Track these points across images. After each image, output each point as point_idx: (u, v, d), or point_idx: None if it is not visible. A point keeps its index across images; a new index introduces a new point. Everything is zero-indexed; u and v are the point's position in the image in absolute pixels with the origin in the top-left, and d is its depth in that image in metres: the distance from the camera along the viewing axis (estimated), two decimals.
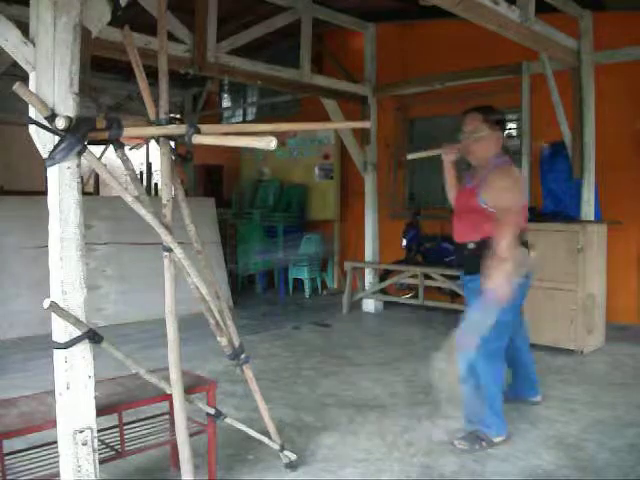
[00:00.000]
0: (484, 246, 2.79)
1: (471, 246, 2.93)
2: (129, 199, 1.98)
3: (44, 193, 1.89)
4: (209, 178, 9.27)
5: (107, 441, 2.31)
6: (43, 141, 1.79)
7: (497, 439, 2.86)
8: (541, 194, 5.37)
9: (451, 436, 2.93)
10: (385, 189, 6.99)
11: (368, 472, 2.58)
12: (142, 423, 2.53)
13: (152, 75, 2.27)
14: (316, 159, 7.97)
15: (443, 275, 5.90)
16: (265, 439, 2.53)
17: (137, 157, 12.03)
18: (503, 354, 2.98)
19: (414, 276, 5.80)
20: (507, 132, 6.52)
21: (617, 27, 5.21)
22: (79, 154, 1.82)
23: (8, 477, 2.03)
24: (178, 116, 9.03)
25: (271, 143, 1.69)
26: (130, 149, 11.76)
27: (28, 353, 4.51)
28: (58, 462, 1.89)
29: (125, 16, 2.06)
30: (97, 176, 9.00)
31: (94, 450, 1.88)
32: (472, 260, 2.88)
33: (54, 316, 1.81)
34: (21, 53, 1.77)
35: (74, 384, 1.83)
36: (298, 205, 7.98)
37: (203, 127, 2.02)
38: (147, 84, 2.19)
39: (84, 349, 1.85)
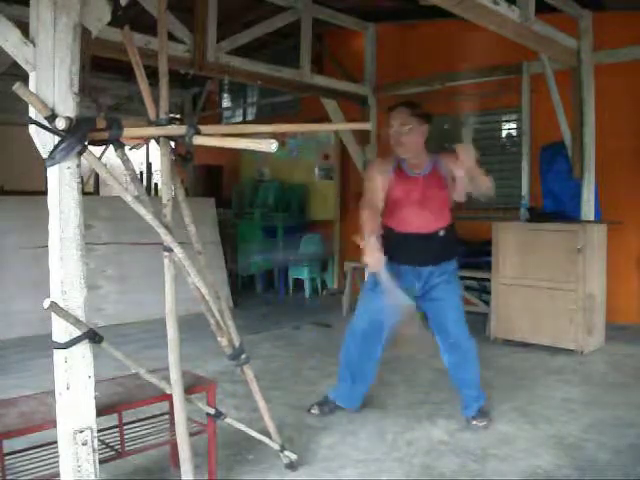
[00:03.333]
0: (451, 231, 3.06)
1: (442, 234, 3.04)
2: (129, 199, 1.98)
3: (44, 193, 1.88)
4: (209, 178, 9.26)
5: (107, 441, 2.31)
6: (43, 141, 1.79)
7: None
8: (541, 194, 5.38)
9: (450, 435, 2.94)
10: None
11: (368, 472, 2.58)
12: (142, 423, 2.53)
13: (152, 75, 2.27)
14: (316, 159, 7.97)
15: None
16: (265, 439, 2.53)
17: (137, 157, 12.03)
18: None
19: None
20: (507, 132, 6.54)
21: (617, 27, 5.21)
22: (79, 154, 1.82)
23: (8, 477, 2.03)
24: (178, 116, 9.04)
25: (272, 145, 1.69)
26: (130, 149, 11.75)
27: (28, 353, 4.51)
28: (58, 462, 1.89)
29: (125, 16, 2.06)
30: (97, 176, 8.99)
31: (94, 450, 1.88)
32: (446, 247, 3.07)
33: (54, 316, 1.81)
34: (21, 53, 1.77)
35: (74, 384, 1.83)
36: (298, 205, 7.98)
37: (203, 128, 2.02)
38: (147, 84, 2.19)
39: (84, 349, 1.85)
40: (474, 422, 3.09)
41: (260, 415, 2.54)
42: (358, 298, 3.31)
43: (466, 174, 2.87)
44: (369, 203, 3.03)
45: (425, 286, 3.09)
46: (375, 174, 3.12)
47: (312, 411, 3.26)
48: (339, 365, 3.31)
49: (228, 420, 2.41)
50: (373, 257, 2.77)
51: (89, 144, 1.86)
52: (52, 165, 1.79)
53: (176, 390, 2.13)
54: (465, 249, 6.01)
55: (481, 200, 3.10)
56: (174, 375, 2.13)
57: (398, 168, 3.09)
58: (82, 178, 1.97)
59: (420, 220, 3.03)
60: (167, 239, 2.10)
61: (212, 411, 2.37)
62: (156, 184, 10.44)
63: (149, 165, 10.80)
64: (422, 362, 3.77)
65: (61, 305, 1.80)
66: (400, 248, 3.05)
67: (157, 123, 2.19)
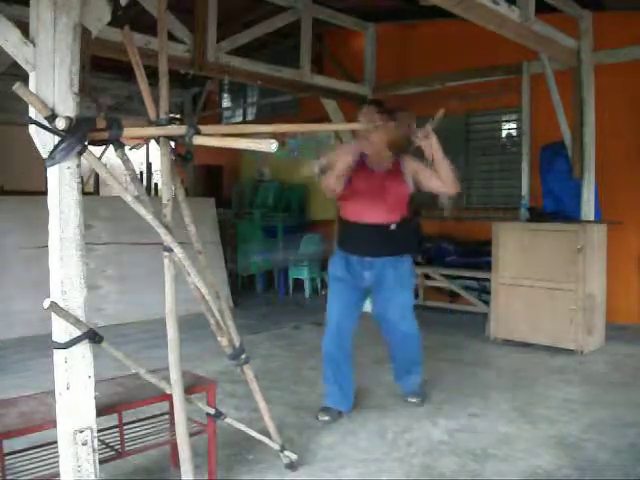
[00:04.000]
0: (402, 227, 3.16)
1: (393, 227, 3.14)
2: (129, 199, 1.98)
3: (44, 193, 1.89)
4: (209, 178, 9.26)
5: (107, 441, 2.31)
6: (43, 141, 1.79)
7: None
8: (541, 194, 5.38)
9: (450, 435, 2.94)
10: None
11: (368, 472, 2.58)
12: (142, 423, 2.53)
13: (152, 75, 2.27)
14: (316, 159, 7.97)
15: (443, 275, 5.91)
16: (265, 439, 2.53)
17: (137, 157, 12.02)
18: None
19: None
20: (507, 132, 6.54)
21: (617, 27, 5.21)
22: (79, 154, 1.82)
23: (8, 477, 2.03)
24: (178, 116, 9.04)
25: (272, 146, 1.69)
26: (130, 149, 11.76)
27: (28, 353, 4.51)
28: (58, 462, 1.89)
29: (125, 16, 2.06)
30: (97, 176, 9.00)
31: (94, 450, 1.88)
32: (397, 241, 3.16)
33: (54, 316, 1.81)
34: (21, 53, 1.77)
35: (74, 384, 1.83)
36: (298, 205, 7.98)
37: (203, 128, 2.02)
38: (147, 84, 2.19)
39: (84, 349, 1.85)
40: (410, 399, 3.39)
41: (260, 415, 2.54)
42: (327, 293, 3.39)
43: (427, 155, 2.98)
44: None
45: (375, 278, 3.19)
46: (342, 154, 3.13)
47: (321, 418, 3.16)
48: (323, 368, 3.34)
49: (228, 420, 2.41)
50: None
51: (89, 144, 1.86)
52: (52, 165, 1.79)
53: (176, 390, 2.13)
54: (461, 248, 6.03)
55: (444, 204, 3.21)
56: (174, 375, 2.13)
57: (361, 161, 3.18)
58: (82, 178, 1.97)
59: (372, 212, 3.13)
60: (167, 239, 2.10)
61: (212, 411, 2.37)
62: (156, 184, 10.44)
63: (149, 165, 10.80)
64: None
65: (61, 305, 1.80)
66: (350, 237, 3.22)
67: (157, 123, 2.19)
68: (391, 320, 3.27)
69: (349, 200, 3.19)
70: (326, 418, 3.15)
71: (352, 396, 3.33)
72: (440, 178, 3.04)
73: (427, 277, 5.96)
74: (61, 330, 1.81)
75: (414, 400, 3.41)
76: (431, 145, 2.95)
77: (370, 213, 3.13)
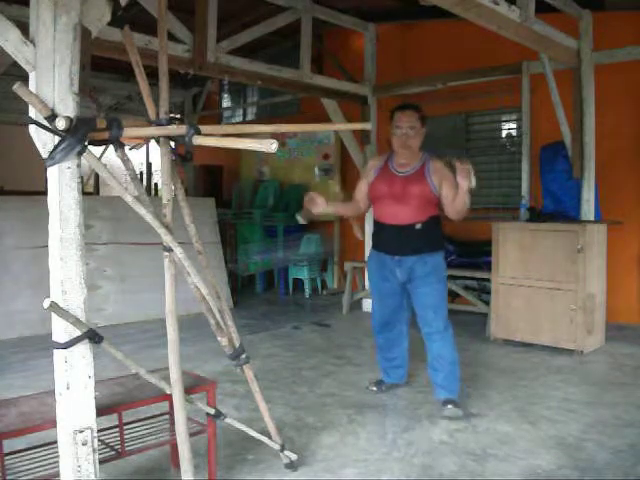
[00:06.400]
0: (429, 226, 3.26)
1: (418, 227, 3.25)
2: (129, 199, 1.97)
3: (44, 193, 1.89)
4: (209, 178, 9.27)
5: (107, 441, 2.31)
6: (43, 141, 1.79)
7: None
8: (541, 194, 5.38)
9: (450, 435, 2.94)
10: None
11: (368, 472, 2.58)
12: (142, 423, 2.53)
13: (152, 75, 2.27)
14: (316, 159, 7.97)
15: None
16: (265, 439, 2.53)
17: (137, 157, 12.03)
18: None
19: None
20: (507, 132, 6.54)
21: (617, 27, 5.22)
22: (79, 154, 1.82)
23: (8, 477, 2.03)
24: (178, 116, 9.04)
25: (272, 146, 1.69)
26: (130, 149, 11.76)
27: (28, 353, 4.51)
28: (58, 462, 1.88)
29: (125, 16, 2.06)
30: (97, 176, 9.00)
31: (94, 450, 1.88)
32: (424, 239, 3.27)
33: (54, 316, 1.81)
34: (21, 53, 1.77)
35: (74, 384, 1.83)
36: (298, 205, 7.93)
37: (203, 128, 2.02)
38: (147, 84, 2.19)
39: (84, 349, 1.85)
40: (447, 407, 3.25)
41: (260, 415, 2.54)
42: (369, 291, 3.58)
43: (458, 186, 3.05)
44: (353, 198, 3.55)
45: (408, 275, 3.32)
46: (365, 171, 3.51)
47: (371, 388, 3.62)
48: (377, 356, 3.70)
49: (228, 420, 2.41)
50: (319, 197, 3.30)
51: (89, 144, 1.85)
52: (52, 165, 1.79)
53: (176, 390, 2.13)
54: (461, 249, 6.02)
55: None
56: (174, 375, 2.13)
57: (385, 165, 3.37)
58: (82, 178, 1.97)
59: (396, 214, 3.27)
60: (167, 239, 2.10)
61: (212, 411, 2.37)
62: (156, 184, 10.44)
63: (149, 165, 10.80)
64: (422, 362, 3.76)
65: (61, 305, 1.80)
66: (381, 238, 3.41)
67: (157, 123, 2.19)
68: (421, 316, 3.35)
69: (376, 202, 3.38)
70: (374, 388, 3.62)
71: (405, 368, 3.67)
72: (453, 203, 3.14)
73: None
74: (61, 330, 1.81)
75: (447, 405, 3.25)
76: (464, 183, 3.00)
77: (395, 215, 3.27)
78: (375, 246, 3.46)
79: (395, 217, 3.27)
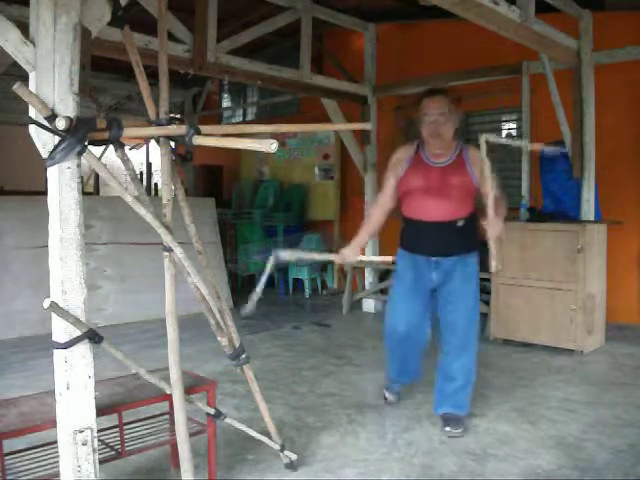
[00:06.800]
0: (470, 222, 2.94)
1: (460, 224, 2.91)
2: (129, 199, 1.97)
3: (44, 193, 1.88)
4: (209, 178, 9.27)
5: (107, 441, 2.31)
6: (43, 141, 1.79)
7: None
8: (541, 194, 5.38)
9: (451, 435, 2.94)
10: None
11: (368, 472, 2.58)
12: (142, 423, 2.53)
13: (152, 75, 2.27)
14: (316, 159, 7.97)
15: None
16: (265, 439, 2.53)
17: (137, 157, 12.03)
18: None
19: None
20: (507, 132, 6.54)
21: (617, 27, 5.21)
22: (79, 154, 1.82)
23: (8, 477, 2.03)
24: (178, 116, 9.04)
25: (272, 146, 1.69)
26: (130, 149, 11.76)
27: (28, 353, 4.51)
28: (58, 462, 1.88)
29: (125, 16, 2.06)
30: (97, 176, 9.00)
31: (94, 450, 1.88)
32: (465, 238, 2.94)
33: (54, 316, 1.81)
34: (21, 53, 1.77)
35: (74, 384, 1.83)
36: (298, 205, 7.98)
37: (203, 128, 2.02)
38: (147, 84, 2.19)
39: (84, 349, 1.85)
40: (446, 428, 2.96)
41: (260, 415, 2.54)
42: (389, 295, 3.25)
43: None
44: (378, 200, 3.15)
45: (441, 279, 2.99)
46: (390, 167, 3.07)
47: (388, 398, 3.39)
48: (387, 361, 3.32)
49: (228, 420, 2.41)
50: (348, 251, 3.00)
51: (89, 144, 1.85)
52: (52, 165, 1.79)
53: (176, 390, 2.13)
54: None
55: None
56: (174, 375, 2.13)
57: (417, 156, 3.00)
58: (82, 178, 1.97)
59: (436, 209, 2.90)
60: (167, 239, 2.10)
61: (212, 411, 2.37)
62: (156, 184, 10.44)
63: (149, 165, 10.81)
64: (422, 363, 3.76)
65: (61, 305, 1.80)
66: (415, 237, 3.01)
67: (157, 123, 2.19)
68: (452, 324, 3.03)
69: (409, 198, 2.99)
70: (392, 398, 3.38)
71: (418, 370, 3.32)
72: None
73: None
74: (61, 330, 1.81)
75: (447, 426, 2.98)
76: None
77: (433, 210, 2.90)
78: (406, 246, 3.07)
79: (433, 213, 2.90)
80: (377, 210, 3.15)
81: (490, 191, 2.74)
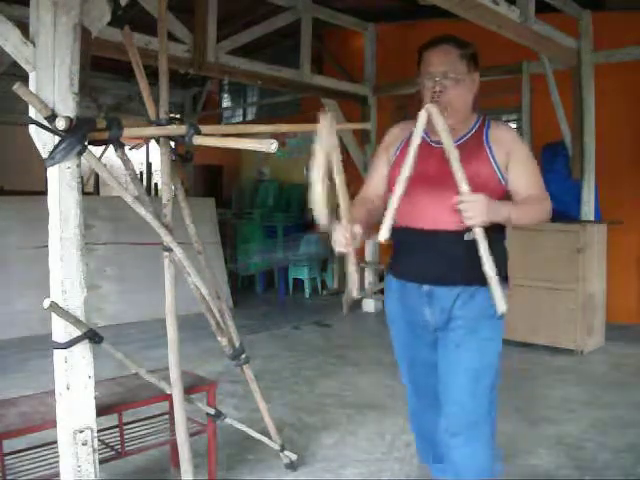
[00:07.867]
0: (494, 239, 1.77)
1: (469, 236, 1.74)
2: (129, 199, 1.97)
3: (44, 193, 1.88)
4: (209, 178, 9.27)
5: (107, 441, 2.31)
6: (43, 141, 1.79)
7: None
8: None
9: None
10: None
11: (368, 472, 2.58)
12: (142, 423, 2.53)
13: (152, 75, 2.27)
14: None
15: None
16: (265, 439, 2.53)
17: (137, 157, 12.02)
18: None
19: None
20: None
21: (617, 27, 5.21)
22: (79, 154, 1.82)
23: (8, 477, 2.03)
24: (178, 116, 9.05)
25: (272, 146, 1.68)
26: (130, 149, 11.75)
27: (28, 353, 4.51)
28: (58, 462, 1.88)
29: (125, 16, 2.06)
30: (97, 176, 9.00)
31: (94, 450, 1.88)
32: (476, 259, 1.68)
33: (54, 316, 1.81)
34: (21, 53, 1.77)
35: (74, 384, 1.83)
36: (298, 205, 7.98)
37: (203, 128, 2.02)
38: (147, 84, 2.19)
39: (84, 349, 1.85)
40: None
41: (260, 415, 2.54)
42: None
43: None
44: (360, 195, 2.08)
45: (437, 318, 1.91)
46: (380, 151, 2.09)
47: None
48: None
49: (228, 420, 2.41)
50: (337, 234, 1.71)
51: (89, 144, 1.85)
52: (52, 165, 1.79)
53: (176, 390, 2.13)
54: None
55: None
56: (174, 375, 2.13)
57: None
58: (82, 178, 1.97)
59: (431, 212, 1.85)
60: (167, 239, 2.10)
61: (212, 411, 2.37)
62: (156, 184, 10.44)
63: (149, 165, 10.80)
64: None
65: (61, 305, 1.80)
66: (403, 255, 1.97)
67: (157, 123, 2.20)
68: (449, 393, 1.93)
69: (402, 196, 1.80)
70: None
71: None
72: (524, 206, 1.98)
73: None
74: (61, 330, 1.81)
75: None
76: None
77: (428, 214, 1.85)
78: (394, 270, 2.02)
79: (427, 218, 1.85)
80: (360, 209, 1.93)
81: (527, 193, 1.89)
